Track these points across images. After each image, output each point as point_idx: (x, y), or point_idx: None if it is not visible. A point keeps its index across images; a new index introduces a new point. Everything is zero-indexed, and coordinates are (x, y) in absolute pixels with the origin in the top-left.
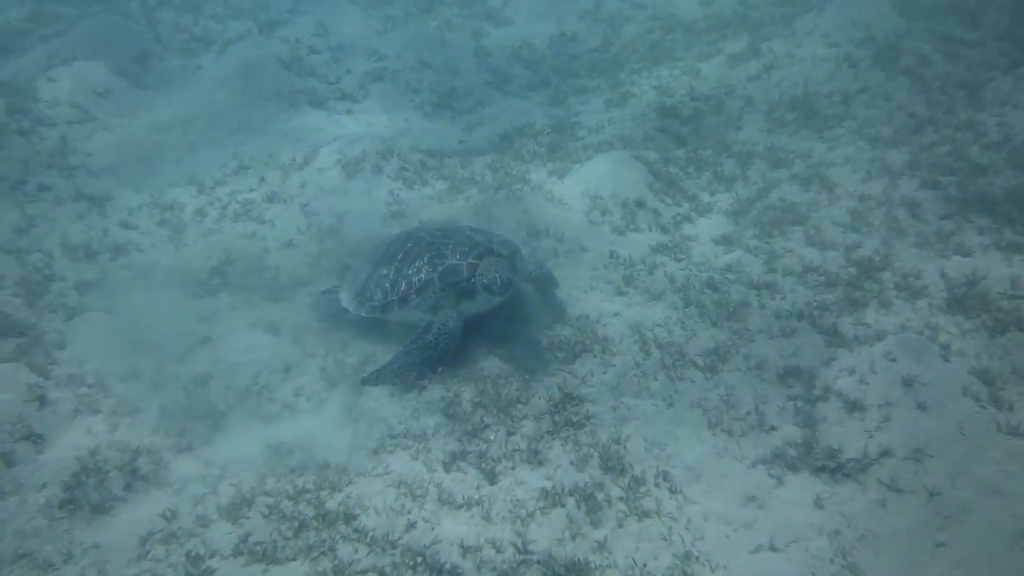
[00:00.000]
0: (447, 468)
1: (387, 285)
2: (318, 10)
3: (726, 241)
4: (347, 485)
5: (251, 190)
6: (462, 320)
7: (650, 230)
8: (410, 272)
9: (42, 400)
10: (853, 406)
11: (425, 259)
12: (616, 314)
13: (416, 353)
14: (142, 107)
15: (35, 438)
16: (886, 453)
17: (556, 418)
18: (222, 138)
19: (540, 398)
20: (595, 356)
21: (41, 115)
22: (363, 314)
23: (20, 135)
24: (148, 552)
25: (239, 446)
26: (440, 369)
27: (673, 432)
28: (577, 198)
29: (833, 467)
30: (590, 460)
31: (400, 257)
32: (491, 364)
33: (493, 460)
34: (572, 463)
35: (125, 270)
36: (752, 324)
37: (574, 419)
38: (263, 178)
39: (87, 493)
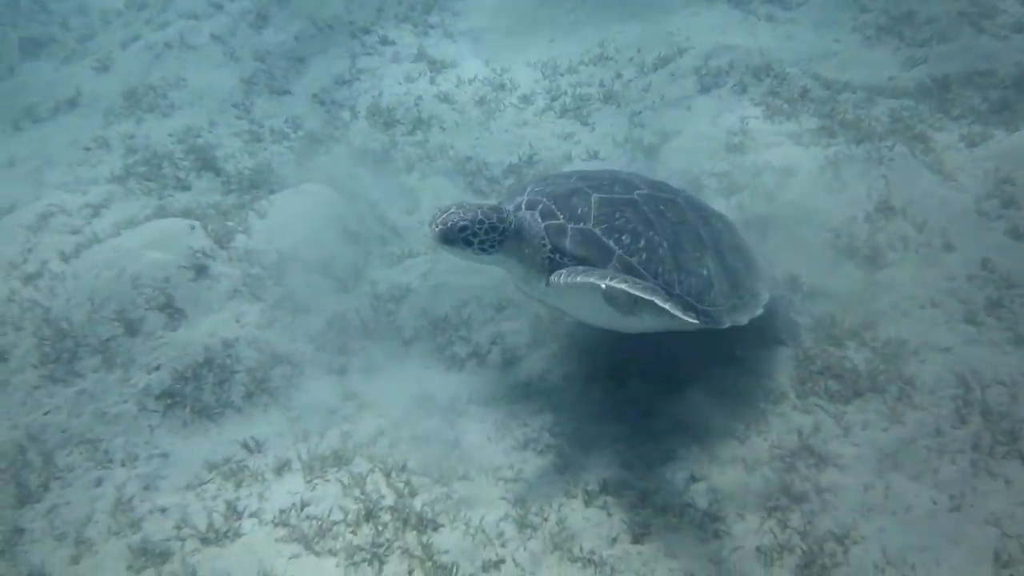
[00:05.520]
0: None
1: None
2: None
3: None
4: (458, 480)
5: (601, 85)
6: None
7: None
8: None
9: (201, 271)
10: None
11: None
12: (947, 350)
13: None
14: None
15: (172, 311)
16: None
17: (779, 476)
18: (602, 20)
19: (764, 440)
20: (884, 403)
21: None
22: None
23: None
24: (201, 484)
25: (395, 386)
26: None
27: (935, 551)
28: (979, 177)
29: None
30: (784, 556)
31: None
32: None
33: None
34: (759, 551)
35: (414, 148)
36: None
37: (797, 486)
38: (619, 74)
39: (200, 391)
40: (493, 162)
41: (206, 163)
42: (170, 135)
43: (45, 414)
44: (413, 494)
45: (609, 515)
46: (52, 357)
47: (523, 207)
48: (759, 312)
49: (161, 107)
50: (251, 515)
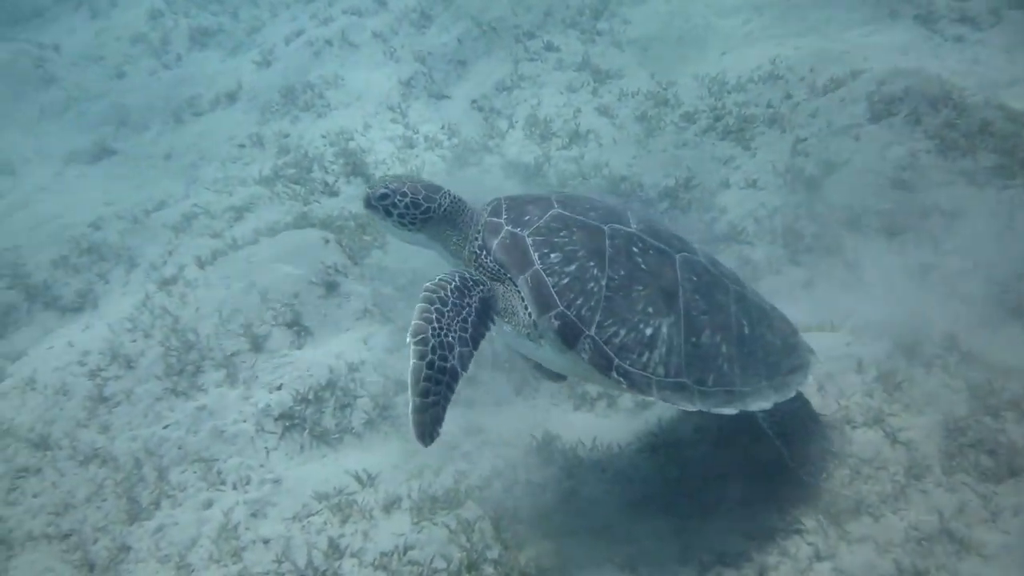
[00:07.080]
0: None
1: None
2: None
3: None
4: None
5: (768, 106)
6: None
7: None
8: None
9: (331, 287)
10: None
11: None
12: None
13: None
14: None
15: (299, 329)
16: None
17: (913, 562)
18: (778, 34)
19: (900, 518)
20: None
21: None
22: None
23: None
24: (308, 515)
25: (520, 422)
26: None
27: None
28: None
29: None
30: None
31: None
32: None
33: None
34: None
35: (568, 164)
36: None
37: None
38: (789, 95)
39: (320, 414)
40: (649, 183)
41: (356, 168)
42: (323, 136)
43: (164, 428)
44: (520, 547)
45: None
46: (177, 369)
47: (485, 204)
48: (728, 411)
49: (317, 106)
50: (352, 555)
